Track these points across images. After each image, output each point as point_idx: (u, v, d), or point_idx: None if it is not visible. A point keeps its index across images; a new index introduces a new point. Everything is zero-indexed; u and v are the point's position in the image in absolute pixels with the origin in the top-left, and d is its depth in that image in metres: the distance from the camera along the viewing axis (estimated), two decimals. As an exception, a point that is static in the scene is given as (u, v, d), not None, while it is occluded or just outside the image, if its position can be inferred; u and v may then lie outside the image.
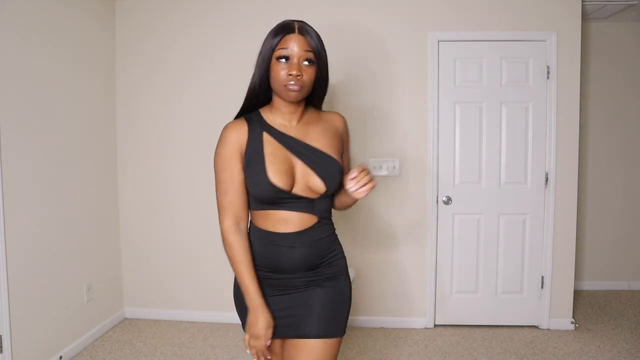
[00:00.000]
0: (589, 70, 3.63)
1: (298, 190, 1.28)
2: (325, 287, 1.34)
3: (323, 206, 1.34)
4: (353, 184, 1.24)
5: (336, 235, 1.43)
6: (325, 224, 1.36)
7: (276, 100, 1.32)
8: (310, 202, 1.30)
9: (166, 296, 3.25)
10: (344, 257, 1.43)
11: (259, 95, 1.33)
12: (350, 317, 1.45)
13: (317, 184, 1.29)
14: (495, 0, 2.95)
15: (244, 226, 1.32)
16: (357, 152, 3.02)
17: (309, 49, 1.25)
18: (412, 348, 2.82)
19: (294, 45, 1.24)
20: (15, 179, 2.28)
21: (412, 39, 2.99)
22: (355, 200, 1.39)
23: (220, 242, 1.32)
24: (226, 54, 3.07)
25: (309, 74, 1.26)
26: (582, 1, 2.95)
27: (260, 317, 1.27)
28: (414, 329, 3.10)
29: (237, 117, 1.37)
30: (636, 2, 3.08)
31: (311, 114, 1.39)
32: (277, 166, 1.26)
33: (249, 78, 1.37)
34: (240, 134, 1.29)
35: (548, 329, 3.06)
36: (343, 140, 1.42)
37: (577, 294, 3.59)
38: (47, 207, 2.52)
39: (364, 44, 3.01)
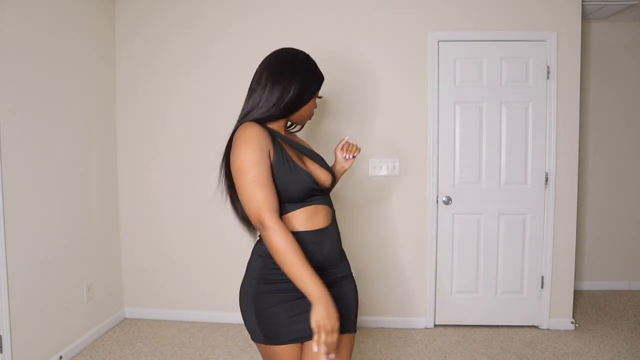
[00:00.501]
0: (589, 70, 3.63)
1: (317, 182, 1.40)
2: (342, 285, 1.42)
3: (330, 199, 1.47)
4: (344, 152, 1.53)
5: None
6: (335, 219, 1.45)
7: (281, 119, 1.42)
8: (326, 193, 1.43)
9: (166, 296, 3.25)
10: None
11: (279, 117, 1.39)
12: (350, 317, 1.45)
13: (326, 176, 1.43)
14: (495, 0, 2.95)
15: None
16: (357, 152, 3.01)
17: None
18: (412, 348, 2.82)
19: None
20: (15, 179, 2.28)
21: (412, 39, 2.99)
22: (340, 176, 1.62)
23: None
24: (227, 54, 3.08)
25: None
26: (582, 1, 2.95)
27: (333, 308, 1.18)
28: (414, 329, 3.10)
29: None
30: (636, 2, 3.08)
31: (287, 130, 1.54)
32: (300, 161, 1.36)
33: (248, 77, 1.38)
34: (266, 135, 1.29)
35: (548, 329, 3.06)
36: None
37: (577, 294, 3.59)
38: (47, 207, 2.52)
39: (363, 43, 3.01)
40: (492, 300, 3.10)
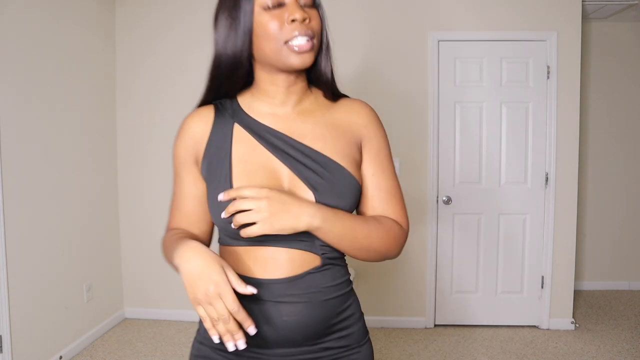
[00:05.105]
0: (589, 70, 3.63)
1: None
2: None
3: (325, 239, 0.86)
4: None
5: (351, 282, 0.97)
6: (334, 266, 0.90)
7: (262, 76, 0.87)
8: (309, 233, 0.83)
9: (166, 296, 3.25)
10: (362, 317, 1.02)
11: (229, 76, 0.87)
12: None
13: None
14: (495, 0, 2.95)
15: None
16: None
17: None
18: (412, 348, 2.82)
19: None
20: (15, 178, 2.28)
21: (412, 39, 2.99)
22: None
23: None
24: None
25: (317, 20, 0.83)
26: (582, 1, 2.94)
27: (196, 270, 0.75)
28: (414, 328, 3.10)
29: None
30: (636, 2, 3.07)
31: (316, 98, 0.92)
32: (251, 176, 0.84)
33: None
34: (200, 127, 0.88)
35: (548, 329, 3.06)
36: (363, 140, 0.95)
37: (577, 294, 3.59)
38: (47, 207, 2.52)
39: (363, 43, 3.00)
40: (492, 300, 3.10)
